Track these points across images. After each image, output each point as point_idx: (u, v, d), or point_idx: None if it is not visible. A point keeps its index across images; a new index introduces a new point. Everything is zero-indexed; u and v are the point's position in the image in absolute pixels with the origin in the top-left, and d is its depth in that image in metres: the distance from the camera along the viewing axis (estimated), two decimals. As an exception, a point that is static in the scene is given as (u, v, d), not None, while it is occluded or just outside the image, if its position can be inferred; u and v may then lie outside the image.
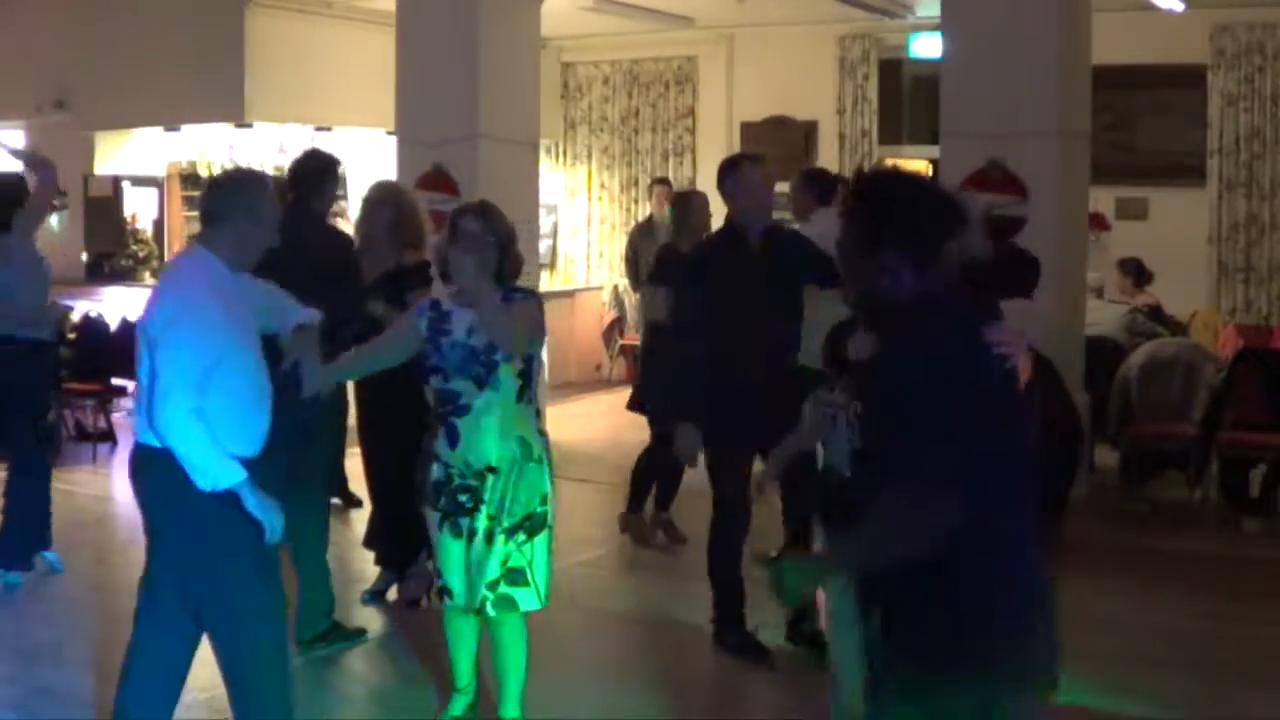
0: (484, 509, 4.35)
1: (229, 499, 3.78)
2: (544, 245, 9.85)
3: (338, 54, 11.25)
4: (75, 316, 9.25)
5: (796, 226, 6.54)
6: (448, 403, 4.38)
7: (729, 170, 5.53)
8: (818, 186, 6.79)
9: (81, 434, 9.55)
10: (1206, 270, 11.24)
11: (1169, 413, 7.92)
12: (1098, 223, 10.45)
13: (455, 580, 4.43)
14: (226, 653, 4.01)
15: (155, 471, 3.85)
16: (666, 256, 7.08)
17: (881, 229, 2.73)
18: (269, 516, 3.83)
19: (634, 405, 7.46)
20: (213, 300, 3.84)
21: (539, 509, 4.40)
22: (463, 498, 4.38)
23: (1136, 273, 9.77)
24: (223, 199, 4.06)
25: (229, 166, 11.76)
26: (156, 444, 3.80)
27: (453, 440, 4.37)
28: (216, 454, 3.75)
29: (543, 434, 4.53)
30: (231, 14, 10.78)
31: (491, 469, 4.35)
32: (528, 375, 4.40)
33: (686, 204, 7.30)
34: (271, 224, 4.07)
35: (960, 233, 2.74)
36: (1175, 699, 4.98)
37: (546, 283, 12.12)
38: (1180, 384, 7.95)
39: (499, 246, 4.37)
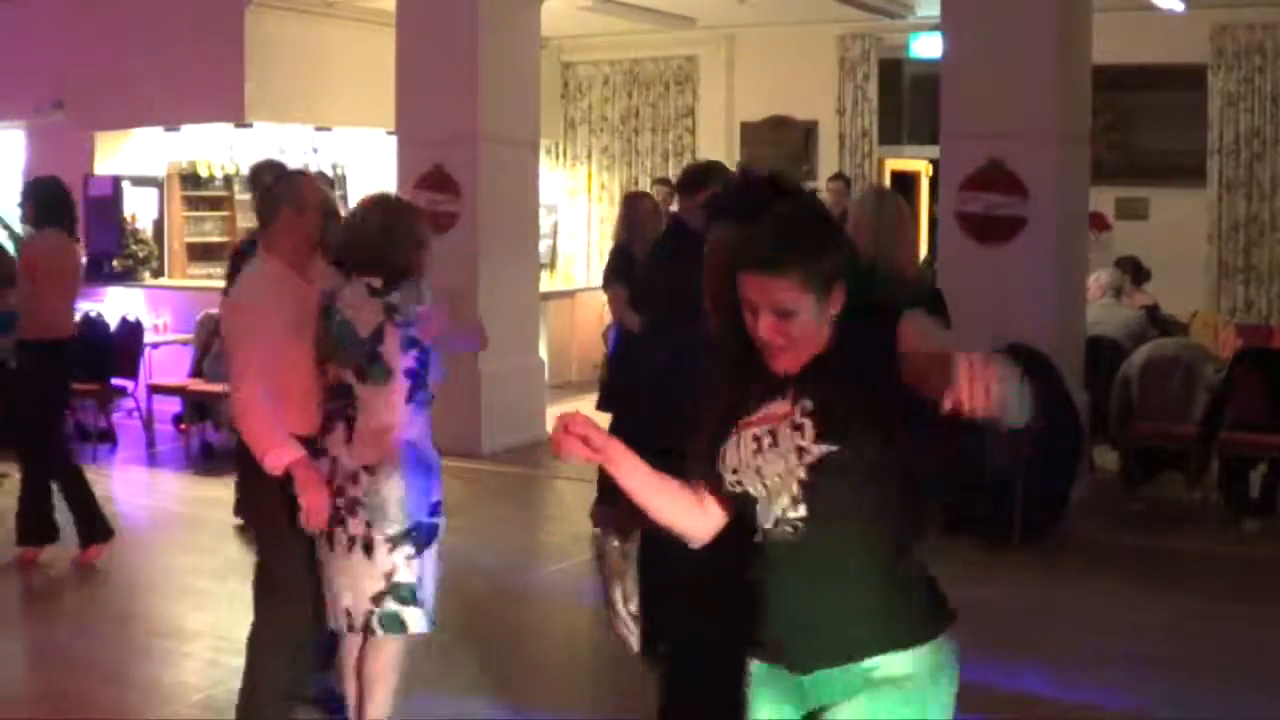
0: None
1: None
2: (544, 245, 9.86)
3: (338, 54, 11.25)
4: (75, 316, 9.24)
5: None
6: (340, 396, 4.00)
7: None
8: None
9: (82, 434, 9.54)
10: (1206, 270, 11.25)
11: (1169, 413, 7.91)
12: (1098, 223, 10.45)
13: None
14: None
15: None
16: (618, 256, 7.56)
17: None
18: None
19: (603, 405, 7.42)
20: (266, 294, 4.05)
21: (426, 520, 4.01)
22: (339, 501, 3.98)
23: (1134, 271, 9.75)
24: (268, 198, 4.25)
25: (229, 167, 11.80)
26: None
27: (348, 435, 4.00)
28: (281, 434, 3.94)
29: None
30: (231, 14, 10.78)
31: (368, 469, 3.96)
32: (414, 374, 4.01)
33: (633, 206, 7.80)
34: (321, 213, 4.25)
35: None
36: (1175, 699, 4.97)
37: (546, 282, 12.11)
38: (1180, 384, 7.94)
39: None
